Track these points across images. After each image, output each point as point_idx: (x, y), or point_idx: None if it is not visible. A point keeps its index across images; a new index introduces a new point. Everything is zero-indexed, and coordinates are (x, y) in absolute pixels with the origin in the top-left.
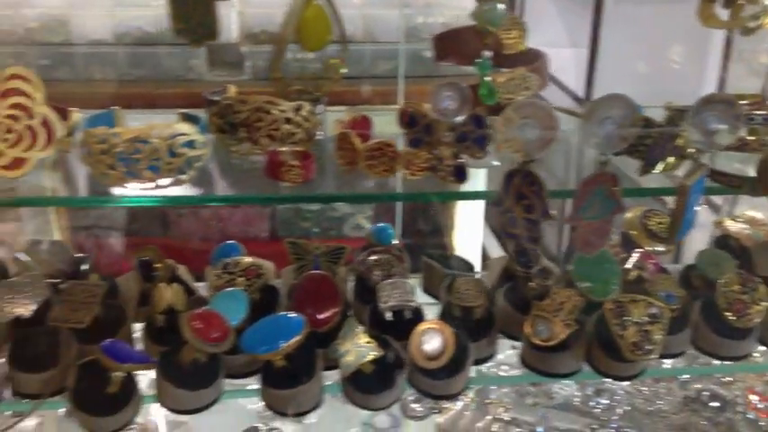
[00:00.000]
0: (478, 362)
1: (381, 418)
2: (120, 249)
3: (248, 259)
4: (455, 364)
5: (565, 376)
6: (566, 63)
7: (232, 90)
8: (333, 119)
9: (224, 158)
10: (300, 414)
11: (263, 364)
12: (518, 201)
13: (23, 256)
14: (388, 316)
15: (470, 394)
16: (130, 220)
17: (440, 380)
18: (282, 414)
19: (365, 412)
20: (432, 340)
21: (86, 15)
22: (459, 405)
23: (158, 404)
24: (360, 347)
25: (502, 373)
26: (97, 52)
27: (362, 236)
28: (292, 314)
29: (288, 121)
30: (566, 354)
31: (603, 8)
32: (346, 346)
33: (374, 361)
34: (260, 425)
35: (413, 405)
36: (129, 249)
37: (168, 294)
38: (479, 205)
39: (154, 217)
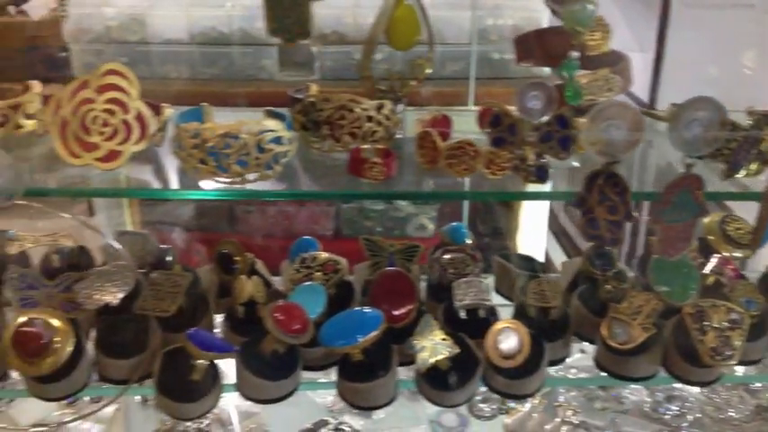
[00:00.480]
0: (553, 363)
1: (449, 417)
2: (186, 244)
3: (325, 255)
4: (531, 364)
5: (641, 380)
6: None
7: (314, 89)
8: (412, 118)
9: (306, 155)
10: (375, 408)
11: (340, 358)
12: (600, 202)
13: (112, 246)
14: (463, 314)
15: (538, 396)
16: (198, 215)
17: (515, 379)
18: (358, 407)
19: (432, 410)
20: (508, 339)
21: (163, 15)
22: (526, 406)
23: (237, 393)
24: (436, 344)
25: (571, 376)
26: (172, 51)
27: (426, 236)
28: (371, 309)
29: (369, 119)
30: (642, 357)
31: (670, 12)
32: (423, 343)
33: (450, 358)
34: (329, 418)
35: (480, 405)
36: (197, 244)
37: (249, 287)
38: (544, 208)
39: (221, 213)
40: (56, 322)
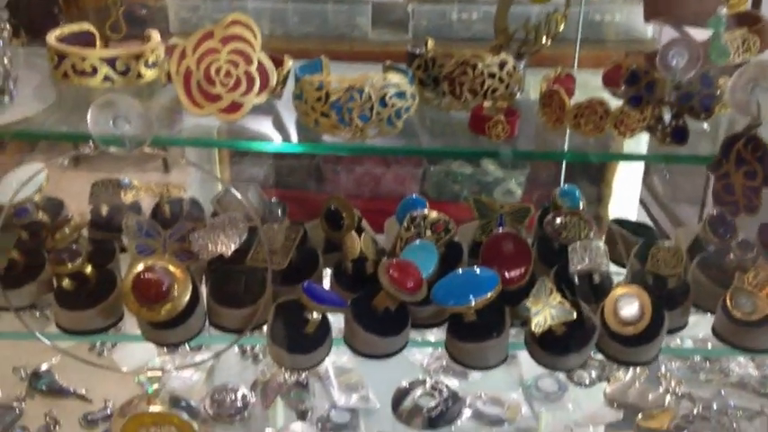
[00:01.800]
0: (671, 332)
1: (547, 382)
2: None
3: (436, 214)
4: (650, 332)
5: (763, 352)
6: None
7: (431, 44)
8: (533, 77)
9: (422, 112)
10: (486, 368)
11: (451, 318)
12: (738, 167)
13: (226, 199)
14: (576, 279)
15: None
16: (286, 174)
17: (633, 347)
18: (468, 366)
19: (530, 374)
20: (629, 305)
21: None
22: (628, 375)
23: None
24: (553, 308)
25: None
26: (267, 8)
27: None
28: (486, 269)
29: (492, 76)
30: (766, 329)
31: None
32: (538, 306)
33: (565, 322)
34: (425, 377)
35: (580, 372)
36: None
37: (359, 243)
38: (637, 177)
39: (309, 172)
40: (175, 270)
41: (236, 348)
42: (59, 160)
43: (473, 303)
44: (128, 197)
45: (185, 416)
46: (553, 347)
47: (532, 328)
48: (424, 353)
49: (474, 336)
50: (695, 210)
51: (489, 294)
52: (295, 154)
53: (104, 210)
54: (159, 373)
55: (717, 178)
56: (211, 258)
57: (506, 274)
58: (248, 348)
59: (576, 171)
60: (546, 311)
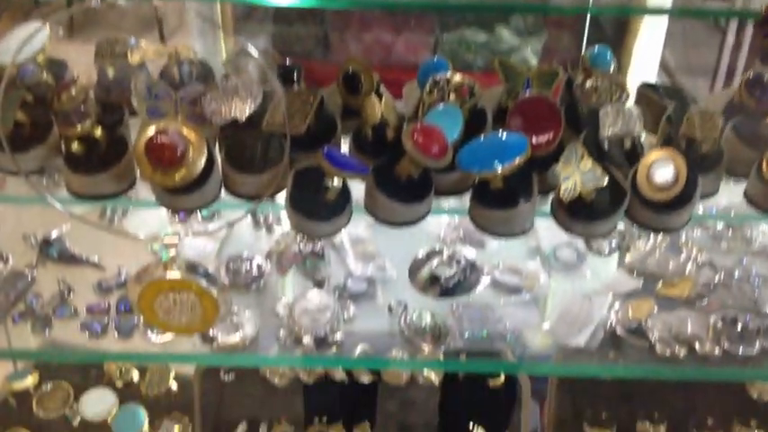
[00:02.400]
0: (702, 197)
1: (565, 252)
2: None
3: (460, 77)
4: (682, 198)
5: None
6: None
7: None
8: None
9: None
10: (512, 236)
11: (477, 184)
12: None
13: (239, 61)
14: (606, 145)
15: (660, 234)
16: (293, 41)
17: (665, 213)
18: (493, 234)
19: (548, 243)
20: (664, 170)
21: None
22: (648, 244)
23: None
24: (584, 173)
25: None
26: None
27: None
28: (514, 134)
29: None
30: None
31: None
32: (568, 171)
33: (595, 188)
34: (443, 248)
35: (600, 241)
36: None
37: (380, 107)
38: (658, 45)
39: (317, 40)
40: (189, 133)
41: (249, 218)
42: (60, 15)
43: (500, 169)
44: (135, 58)
45: (204, 282)
46: (582, 214)
47: (561, 193)
48: (440, 223)
49: (501, 203)
50: (706, 83)
51: (518, 160)
52: (302, 17)
53: (111, 71)
54: (176, 240)
55: (764, 35)
56: (224, 124)
57: (535, 139)
58: (261, 218)
59: (595, 38)
60: (576, 177)
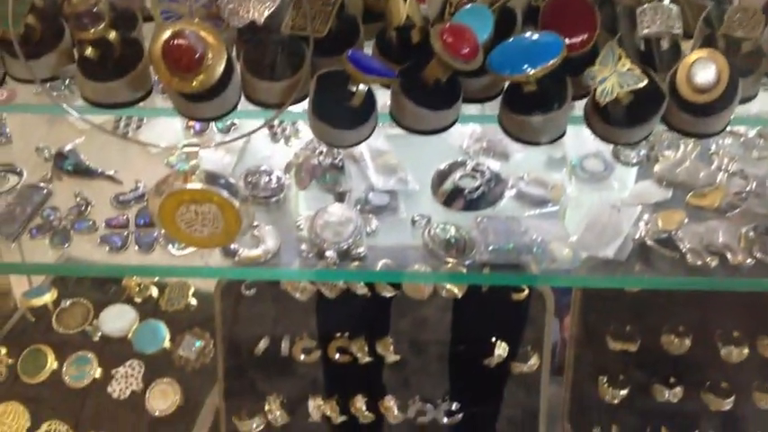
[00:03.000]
0: (741, 101)
1: (592, 163)
2: None
3: None
4: (722, 100)
5: None
6: None
7: None
8: None
9: None
10: (544, 143)
11: (508, 89)
12: None
13: None
14: (642, 45)
15: (690, 142)
16: None
17: (703, 117)
18: (525, 141)
19: (574, 153)
20: (705, 71)
21: None
22: (678, 153)
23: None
24: (622, 74)
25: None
26: None
27: None
28: (549, 34)
29: None
30: None
31: None
32: (605, 73)
33: (633, 91)
34: (466, 159)
35: (627, 151)
36: None
37: (405, 8)
38: None
39: None
40: (208, 36)
41: (265, 130)
42: None
43: (533, 71)
44: None
45: (226, 194)
46: (618, 118)
47: (597, 96)
48: (462, 134)
49: (534, 107)
50: None
51: (552, 61)
52: None
53: None
54: (197, 149)
55: None
56: (242, 27)
57: (568, 39)
58: (279, 130)
59: None
60: (614, 78)
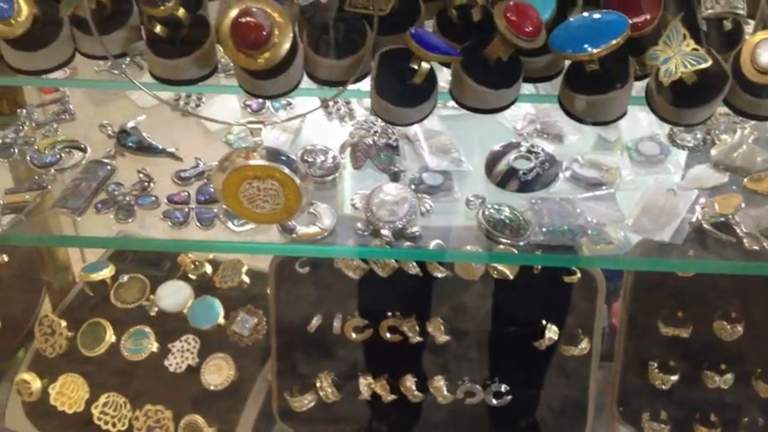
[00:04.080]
0: None
1: (648, 145)
2: None
3: None
4: None
5: None
6: None
7: None
8: None
9: None
10: (605, 123)
11: (570, 68)
12: None
13: None
14: (705, 26)
15: (747, 126)
16: None
17: (764, 98)
18: (585, 122)
19: (629, 136)
20: None
21: None
22: (735, 137)
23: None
24: (686, 55)
25: None
26: None
27: None
28: (612, 13)
29: None
30: None
31: None
32: (668, 53)
33: (697, 71)
34: (520, 141)
35: (683, 134)
36: None
37: None
38: None
39: None
40: (275, 13)
41: (321, 109)
42: None
43: (596, 51)
44: None
45: (287, 170)
46: (682, 99)
47: (661, 76)
48: (515, 116)
49: (596, 87)
50: None
51: (616, 40)
52: None
53: None
54: (261, 125)
55: None
56: (305, 5)
57: (631, 19)
58: (334, 109)
59: None
60: (677, 59)
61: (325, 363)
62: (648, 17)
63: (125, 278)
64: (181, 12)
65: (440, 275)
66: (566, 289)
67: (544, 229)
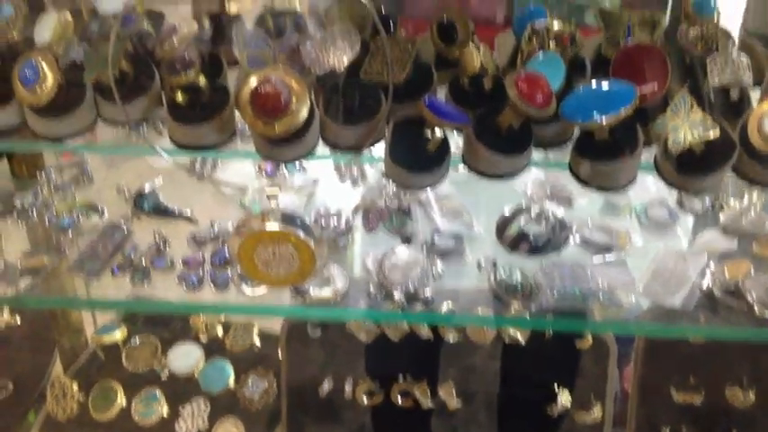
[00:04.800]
0: None
1: (657, 210)
2: None
3: (560, 24)
4: None
5: None
6: None
7: None
8: None
9: None
10: (615, 189)
11: (580, 135)
12: None
13: (333, 11)
14: (712, 95)
15: (755, 192)
16: None
17: None
18: (595, 188)
19: (637, 200)
20: None
21: None
22: (743, 202)
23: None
24: (694, 124)
25: None
26: None
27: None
28: (621, 82)
29: None
30: None
31: None
32: (677, 121)
33: (705, 140)
34: (530, 204)
35: (692, 200)
36: None
37: (479, 56)
38: None
39: None
40: (293, 82)
41: (333, 172)
42: None
43: (605, 120)
44: (233, 8)
45: (302, 234)
46: (690, 167)
47: (670, 145)
48: (525, 179)
49: (606, 155)
50: None
51: (624, 110)
52: None
53: (207, 20)
54: (277, 191)
55: None
56: (321, 73)
57: (640, 88)
58: (347, 172)
59: None
60: (686, 128)
61: (336, 427)
62: (657, 86)
63: (137, 340)
64: (202, 80)
65: (452, 339)
66: (577, 353)
67: (556, 294)
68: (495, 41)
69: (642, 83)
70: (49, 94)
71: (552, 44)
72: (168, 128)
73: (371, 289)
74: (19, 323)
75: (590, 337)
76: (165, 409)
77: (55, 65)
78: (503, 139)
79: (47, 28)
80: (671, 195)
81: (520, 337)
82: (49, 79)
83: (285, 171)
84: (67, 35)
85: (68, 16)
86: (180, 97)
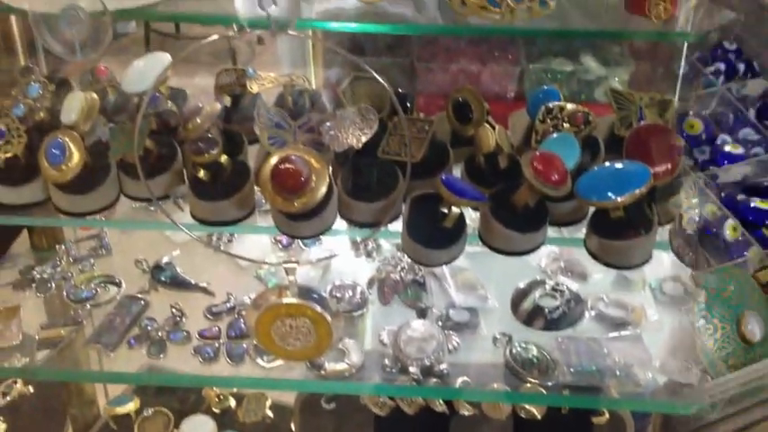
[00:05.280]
0: None
1: (671, 286)
2: None
3: (573, 105)
4: None
5: None
6: None
7: None
8: None
9: None
10: (630, 267)
11: (595, 213)
12: None
13: (352, 89)
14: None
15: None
16: (380, 72)
17: None
18: (611, 265)
19: (654, 276)
20: None
21: None
22: None
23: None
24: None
25: None
26: None
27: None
28: (635, 163)
29: None
30: None
31: None
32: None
33: None
34: (545, 279)
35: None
36: None
37: (494, 136)
38: None
39: (403, 70)
40: (312, 160)
41: (349, 245)
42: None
43: (620, 199)
44: (254, 87)
45: (318, 308)
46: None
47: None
48: (539, 254)
49: (621, 233)
50: None
51: (639, 190)
52: (389, 48)
53: (228, 100)
54: (296, 265)
55: None
56: (340, 151)
57: (653, 168)
58: (362, 246)
59: None
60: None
61: None
62: (669, 166)
63: (149, 412)
64: (224, 158)
65: (467, 413)
66: (594, 429)
67: (572, 370)
68: (509, 120)
69: (656, 162)
70: (75, 171)
71: (566, 124)
72: (190, 203)
73: (386, 362)
74: (32, 392)
75: (607, 413)
76: None
77: (81, 143)
78: (518, 216)
79: (73, 107)
80: (685, 271)
81: (536, 412)
82: (75, 158)
83: (301, 243)
84: (93, 114)
85: (94, 95)
86: (203, 174)
